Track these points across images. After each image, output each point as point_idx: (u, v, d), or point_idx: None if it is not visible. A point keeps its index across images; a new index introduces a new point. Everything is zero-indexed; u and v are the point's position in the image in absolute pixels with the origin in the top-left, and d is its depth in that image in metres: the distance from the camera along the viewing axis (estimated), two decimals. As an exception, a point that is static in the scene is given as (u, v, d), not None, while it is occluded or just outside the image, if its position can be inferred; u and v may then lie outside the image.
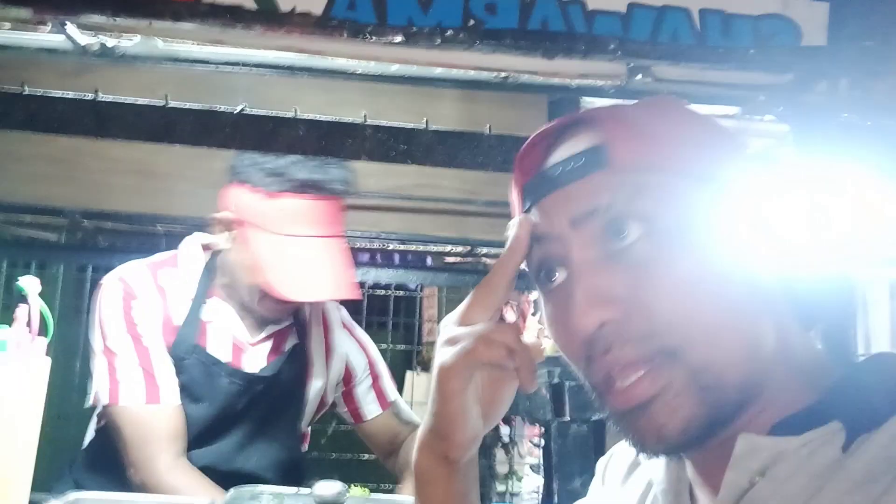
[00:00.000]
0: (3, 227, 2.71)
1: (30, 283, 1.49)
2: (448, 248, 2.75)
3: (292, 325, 1.85)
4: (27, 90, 1.11)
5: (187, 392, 1.72)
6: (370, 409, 1.99)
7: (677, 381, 0.66)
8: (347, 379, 1.97)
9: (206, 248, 1.83)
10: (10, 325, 1.39)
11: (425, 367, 3.53)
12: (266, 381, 1.77)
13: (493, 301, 0.77)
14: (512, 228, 0.76)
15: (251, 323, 1.80)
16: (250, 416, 1.77)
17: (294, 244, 1.63)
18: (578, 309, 0.68)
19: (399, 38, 1.08)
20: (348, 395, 1.98)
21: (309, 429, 2.00)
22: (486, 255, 2.82)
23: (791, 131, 1.28)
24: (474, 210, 2.67)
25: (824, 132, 1.20)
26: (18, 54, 1.19)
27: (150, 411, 1.65)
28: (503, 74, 1.20)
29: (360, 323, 2.99)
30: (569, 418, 1.81)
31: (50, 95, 1.11)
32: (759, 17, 1.24)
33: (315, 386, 1.88)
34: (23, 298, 1.52)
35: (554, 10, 1.19)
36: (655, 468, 0.82)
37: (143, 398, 1.65)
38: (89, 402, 1.78)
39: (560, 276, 0.74)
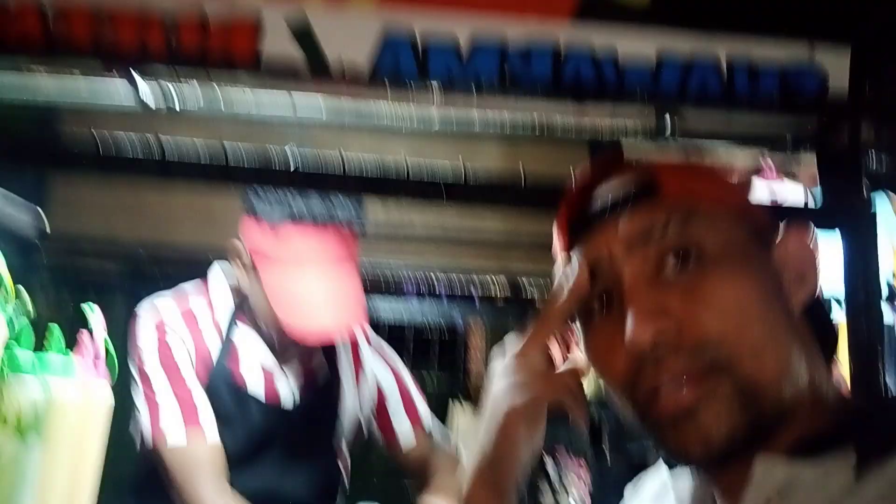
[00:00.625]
0: (68, 259, 2.85)
1: (94, 319, 1.59)
2: (490, 279, 2.80)
3: (319, 348, 1.85)
4: (98, 136, 1.21)
5: (220, 417, 1.73)
6: (405, 433, 1.96)
7: (722, 390, 0.70)
8: (380, 400, 1.95)
9: (228, 279, 1.85)
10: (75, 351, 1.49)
11: (469, 397, 3.55)
12: (297, 406, 1.80)
13: (549, 338, 0.81)
14: (570, 266, 0.79)
15: (280, 351, 1.81)
16: (284, 441, 1.78)
17: (299, 275, 1.66)
18: (635, 322, 0.72)
19: (439, 91, 1.16)
20: (381, 417, 1.96)
21: (348, 455, 1.98)
22: (527, 287, 2.86)
23: (818, 173, 1.31)
24: (516, 242, 2.72)
25: (849, 174, 1.24)
26: (89, 108, 1.30)
27: (190, 438, 1.68)
28: (538, 123, 1.27)
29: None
30: (606, 451, 1.85)
31: (117, 140, 1.21)
32: (785, 65, 1.29)
33: (348, 407, 1.89)
34: (86, 326, 1.61)
35: (586, 62, 1.25)
36: (682, 492, 0.85)
37: (181, 425, 1.69)
38: (132, 427, 1.83)
39: (612, 303, 0.77)
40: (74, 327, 1.60)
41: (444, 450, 1.97)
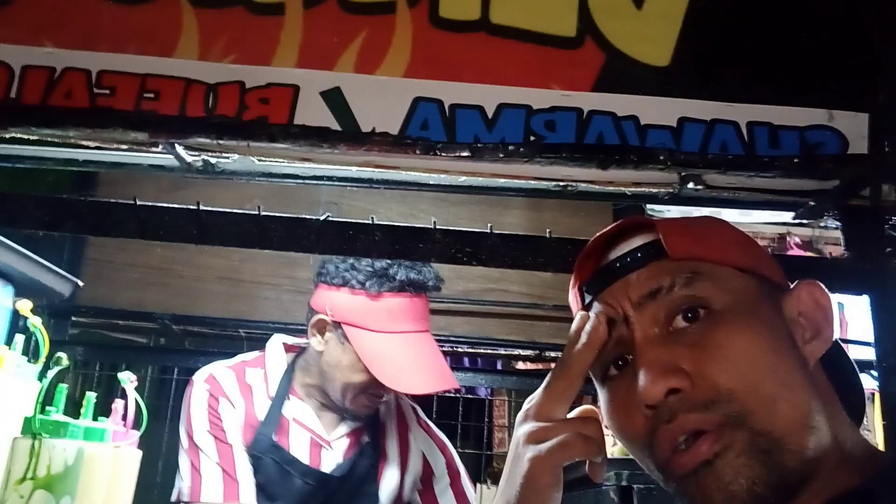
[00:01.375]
0: (98, 330, 2.90)
1: (128, 378, 1.62)
2: (516, 351, 2.81)
3: (367, 422, 1.90)
4: (138, 202, 1.26)
5: (263, 489, 1.76)
6: None
7: (739, 443, 0.70)
8: (426, 477, 1.97)
9: (287, 349, 1.92)
10: (108, 418, 1.51)
11: (495, 479, 3.50)
12: (340, 478, 1.81)
13: (570, 394, 0.81)
14: (585, 323, 0.81)
15: (329, 420, 1.85)
16: None
17: (397, 340, 1.71)
18: (646, 378, 0.74)
19: (466, 153, 1.20)
20: (426, 493, 1.97)
21: None
22: (554, 360, 2.86)
23: (842, 236, 1.33)
24: (542, 314, 2.74)
25: (873, 236, 1.25)
26: (131, 171, 1.35)
27: None
28: (562, 184, 1.30)
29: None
30: (637, 519, 1.81)
31: (158, 206, 1.26)
32: (805, 128, 1.32)
33: (389, 482, 1.89)
34: (121, 393, 1.64)
35: (608, 126, 1.29)
36: None
37: (221, 497, 1.70)
38: (174, 496, 1.85)
39: (626, 363, 0.79)
40: (107, 394, 1.63)
41: None
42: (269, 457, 1.78)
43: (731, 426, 0.71)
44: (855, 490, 0.71)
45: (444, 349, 2.81)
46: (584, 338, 0.80)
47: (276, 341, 1.93)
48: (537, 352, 2.78)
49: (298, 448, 1.81)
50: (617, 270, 0.81)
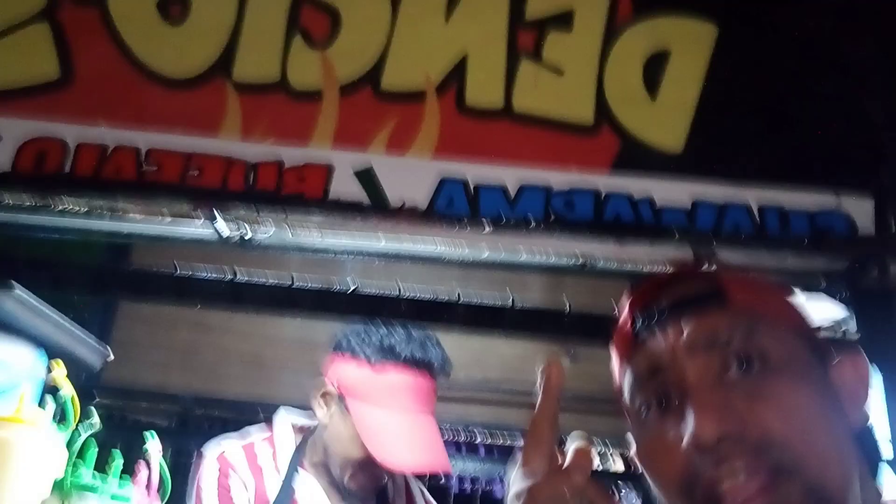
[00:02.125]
0: (121, 411, 2.92)
1: (153, 447, 1.65)
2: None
3: (376, 502, 1.91)
4: (179, 272, 1.32)
5: None
6: None
7: (793, 492, 0.69)
8: None
9: (296, 427, 1.91)
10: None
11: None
12: None
13: (544, 444, 0.78)
14: (545, 371, 0.80)
15: (338, 500, 1.84)
16: None
17: (396, 417, 1.73)
18: (700, 419, 0.72)
19: (488, 229, 1.27)
20: None
21: None
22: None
23: (853, 313, 1.36)
24: (561, 404, 2.73)
25: (883, 315, 1.29)
26: (171, 243, 1.43)
27: None
28: (581, 261, 1.36)
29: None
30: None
31: (197, 277, 1.33)
32: (814, 211, 1.38)
33: None
34: (145, 462, 1.66)
35: (625, 206, 1.36)
36: None
37: None
38: None
39: (670, 403, 0.77)
40: (129, 462, 1.65)
41: None
42: None
43: (784, 475, 0.70)
44: None
45: (460, 437, 2.83)
46: (542, 391, 0.79)
47: (285, 419, 1.93)
48: (557, 442, 2.76)
49: None
50: (675, 311, 0.80)
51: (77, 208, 1.33)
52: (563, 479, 0.74)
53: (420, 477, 2.49)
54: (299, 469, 1.82)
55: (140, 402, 2.82)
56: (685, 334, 0.78)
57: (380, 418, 1.69)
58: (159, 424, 2.95)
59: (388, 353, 1.69)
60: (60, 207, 1.33)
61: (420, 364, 1.70)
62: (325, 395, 1.79)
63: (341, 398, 1.74)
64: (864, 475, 0.77)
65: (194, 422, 2.88)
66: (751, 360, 0.75)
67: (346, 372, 1.76)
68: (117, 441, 2.90)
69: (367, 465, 1.73)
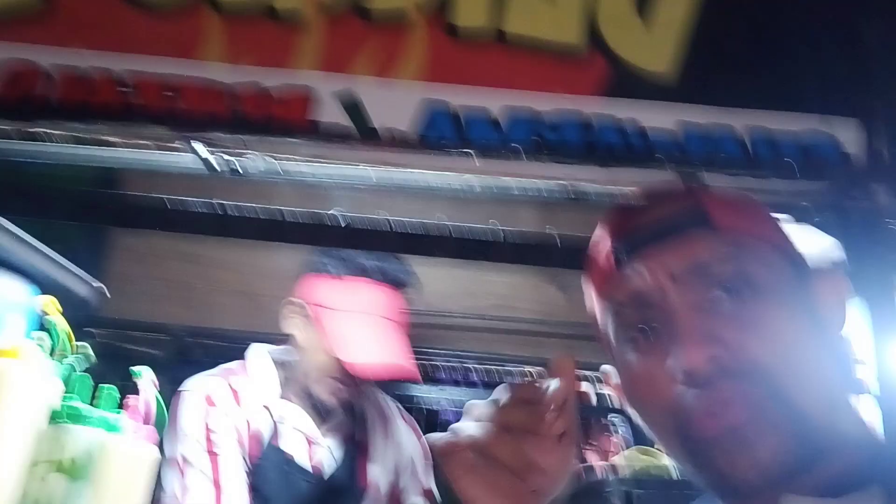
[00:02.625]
0: (114, 342, 2.94)
1: (146, 377, 1.66)
2: (524, 368, 2.83)
3: (354, 420, 1.95)
4: (165, 196, 1.31)
5: (261, 492, 1.78)
6: (416, 498, 2.01)
7: (771, 415, 0.71)
8: (413, 469, 2.02)
9: (277, 363, 1.95)
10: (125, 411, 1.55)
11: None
12: (333, 476, 1.86)
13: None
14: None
15: (320, 420, 1.89)
16: None
17: (361, 321, 1.77)
18: (689, 348, 0.72)
19: (475, 153, 1.26)
20: (414, 484, 2.02)
21: None
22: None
23: (840, 239, 1.36)
24: (550, 332, 2.76)
25: (868, 238, 1.29)
26: (153, 169, 1.42)
27: None
28: (568, 185, 1.35)
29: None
30: (641, 528, 1.83)
31: (184, 200, 1.32)
32: (801, 133, 1.37)
33: (377, 477, 1.94)
34: (139, 392, 1.68)
35: (612, 130, 1.35)
36: None
37: None
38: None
39: (657, 328, 0.77)
40: (124, 393, 1.66)
41: None
42: (267, 460, 1.80)
43: (765, 398, 0.71)
44: (856, 467, 0.72)
45: (451, 364, 2.86)
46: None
47: (258, 350, 1.96)
48: (545, 369, 2.79)
49: (294, 448, 1.84)
50: (656, 234, 0.79)
51: (59, 136, 1.31)
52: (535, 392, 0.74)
53: (410, 403, 2.55)
54: (282, 399, 1.85)
55: (134, 333, 2.83)
56: (668, 259, 0.77)
57: (345, 322, 1.74)
58: (154, 355, 2.98)
59: (355, 268, 1.74)
60: (41, 135, 1.30)
61: (386, 276, 1.76)
62: (294, 311, 1.84)
63: (310, 311, 1.79)
64: (843, 392, 0.78)
65: (188, 353, 2.90)
66: (737, 286, 0.75)
67: (314, 287, 1.80)
68: (112, 372, 2.94)
69: (334, 371, 1.77)
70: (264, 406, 1.86)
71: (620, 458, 2.05)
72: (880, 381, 1.30)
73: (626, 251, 0.81)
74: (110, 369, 2.87)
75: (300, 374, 1.86)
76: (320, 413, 1.88)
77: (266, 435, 1.82)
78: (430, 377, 2.99)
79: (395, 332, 1.84)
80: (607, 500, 1.86)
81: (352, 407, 1.92)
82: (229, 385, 1.87)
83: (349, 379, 1.80)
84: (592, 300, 0.88)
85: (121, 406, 1.55)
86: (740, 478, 0.71)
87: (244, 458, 1.79)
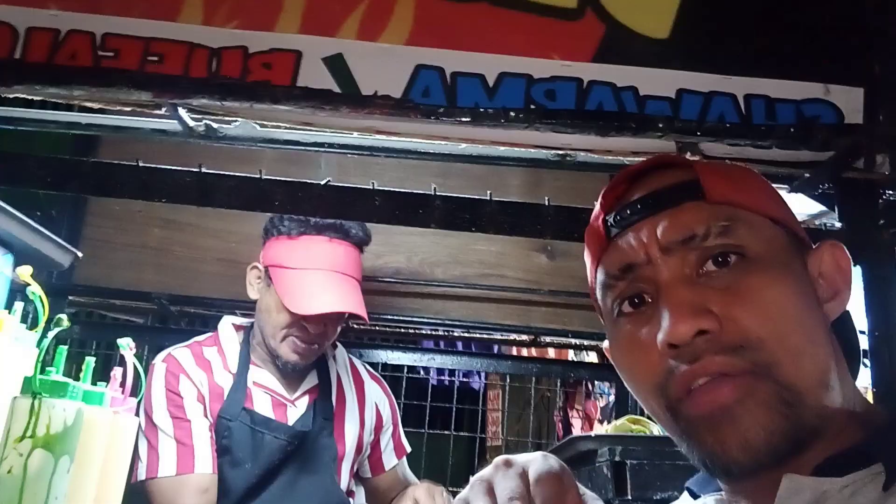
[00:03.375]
0: (96, 309, 2.90)
1: (127, 344, 1.63)
2: (512, 336, 2.82)
3: (324, 380, 1.99)
4: (142, 164, 1.27)
5: (235, 454, 1.83)
6: (389, 459, 2.09)
7: (762, 392, 0.69)
8: (378, 426, 2.08)
9: (238, 327, 2.01)
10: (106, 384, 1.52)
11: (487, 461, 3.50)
12: (304, 432, 1.89)
13: None
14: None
15: (289, 383, 1.94)
16: (292, 466, 1.88)
17: (313, 276, 1.80)
18: (674, 318, 0.71)
19: (467, 119, 1.21)
20: (376, 442, 2.08)
21: (356, 485, 2.08)
22: (549, 346, 2.88)
23: (836, 207, 1.34)
24: (538, 300, 2.75)
25: (866, 207, 1.27)
26: (134, 135, 1.36)
27: (181, 481, 1.75)
28: (561, 153, 1.31)
29: (423, 413, 3.07)
30: (630, 497, 1.82)
31: (162, 168, 1.27)
32: (801, 101, 1.33)
33: (347, 434, 1.98)
34: (119, 361, 1.65)
35: (608, 96, 1.31)
36: None
37: (175, 469, 1.76)
38: (133, 479, 1.86)
39: (644, 302, 0.76)
40: (104, 373, 1.64)
41: (413, 481, 2.09)
42: (239, 421, 1.84)
43: (755, 375, 0.69)
44: (857, 446, 0.71)
45: (438, 332, 2.84)
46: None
47: (228, 321, 2.03)
48: (532, 337, 2.78)
49: (265, 409, 1.89)
50: (649, 205, 0.78)
51: (31, 97, 1.25)
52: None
53: (399, 371, 2.56)
54: (251, 365, 1.89)
55: (114, 300, 2.79)
56: (660, 231, 0.76)
57: (297, 277, 1.78)
58: (135, 322, 2.95)
59: (307, 225, 1.75)
60: (13, 96, 1.25)
61: (338, 231, 1.78)
62: (254, 275, 1.88)
63: (267, 272, 1.83)
64: (841, 364, 0.76)
65: (170, 320, 2.87)
66: (727, 256, 0.73)
67: (268, 249, 1.88)
68: (92, 339, 2.91)
69: (292, 328, 1.79)
70: (231, 373, 1.90)
71: (611, 428, 2.04)
72: (874, 347, 1.29)
73: (619, 222, 0.80)
74: (92, 337, 2.85)
75: (263, 337, 1.90)
76: (287, 374, 1.92)
77: (236, 399, 1.87)
78: (417, 345, 2.99)
79: (348, 283, 1.85)
80: (598, 470, 1.85)
81: (317, 365, 1.97)
82: (198, 354, 1.93)
83: (308, 335, 1.83)
84: (588, 263, 0.87)
85: (104, 377, 1.53)
86: (731, 458, 0.70)
87: (213, 423, 1.84)
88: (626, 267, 0.78)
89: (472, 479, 0.70)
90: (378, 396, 2.10)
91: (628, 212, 0.79)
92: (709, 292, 0.72)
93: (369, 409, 2.06)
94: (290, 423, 1.89)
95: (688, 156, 1.30)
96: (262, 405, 1.89)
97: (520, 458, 0.70)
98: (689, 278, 0.74)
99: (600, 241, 0.82)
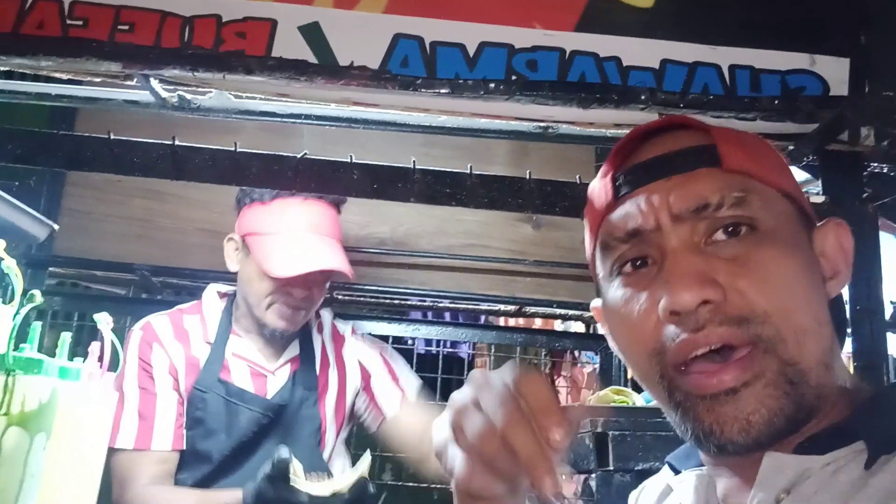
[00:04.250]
0: (77, 281, 2.87)
1: (103, 319, 1.61)
2: (497, 306, 2.81)
3: (305, 348, 1.95)
4: (115, 136, 1.24)
5: (208, 425, 1.81)
6: (391, 403, 1.99)
7: (770, 373, 0.67)
8: (365, 379, 2.02)
9: (222, 295, 1.98)
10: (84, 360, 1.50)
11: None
12: (283, 404, 1.86)
13: None
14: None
15: (271, 352, 1.91)
16: (272, 438, 1.84)
17: (290, 238, 1.76)
18: (679, 285, 0.69)
19: (447, 90, 1.18)
20: (369, 394, 2.02)
21: (347, 451, 2.05)
22: (534, 316, 2.87)
23: (820, 179, 1.33)
24: (523, 270, 2.74)
25: (850, 180, 1.25)
26: (105, 106, 1.33)
27: (135, 457, 1.74)
28: (543, 125, 1.29)
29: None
30: (612, 468, 1.82)
31: (135, 140, 1.24)
32: (786, 72, 1.31)
33: (332, 402, 1.95)
34: (92, 340, 1.63)
35: (591, 66, 1.28)
36: (685, 493, 0.82)
37: (132, 443, 1.75)
38: None
39: (650, 264, 0.74)
40: (86, 345, 1.62)
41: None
42: (214, 392, 1.82)
43: (761, 351, 0.68)
44: (839, 424, 0.70)
45: (425, 303, 2.83)
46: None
47: (212, 288, 2.00)
48: (517, 307, 2.78)
49: (242, 381, 1.86)
50: (663, 167, 0.74)
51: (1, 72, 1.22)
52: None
53: (384, 339, 2.54)
54: (231, 335, 1.85)
55: (96, 272, 2.76)
56: (672, 198, 0.73)
57: (274, 241, 1.76)
58: (118, 294, 2.92)
59: (273, 192, 1.71)
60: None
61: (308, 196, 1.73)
62: (231, 246, 1.85)
63: (244, 242, 1.79)
64: (837, 348, 0.75)
65: (154, 292, 2.84)
66: (739, 227, 0.72)
67: (242, 218, 1.85)
68: (74, 311, 2.88)
69: (276, 293, 1.77)
70: (209, 342, 1.88)
71: (594, 398, 2.04)
72: (855, 321, 1.29)
73: (629, 181, 0.77)
74: (75, 309, 2.83)
75: (249, 307, 1.86)
76: (271, 342, 1.89)
77: (211, 370, 1.84)
78: (403, 315, 2.98)
79: (327, 242, 1.82)
80: (579, 440, 1.86)
81: (300, 334, 1.94)
82: (177, 323, 1.90)
83: (293, 300, 1.81)
84: (587, 218, 0.83)
85: (81, 345, 1.51)
86: (728, 438, 0.68)
87: (188, 394, 1.82)
88: (633, 231, 0.75)
89: (451, 396, 0.66)
90: (361, 352, 2.05)
91: (640, 172, 0.76)
92: (716, 262, 0.70)
93: (352, 371, 2.01)
94: (269, 394, 1.87)
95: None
96: (240, 376, 1.87)
97: (493, 372, 0.65)
98: (697, 247, 0.72)
99: (607, 198, 0.79)
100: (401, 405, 2.00)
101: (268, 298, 1.81)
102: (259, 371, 1.89)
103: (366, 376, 2.03)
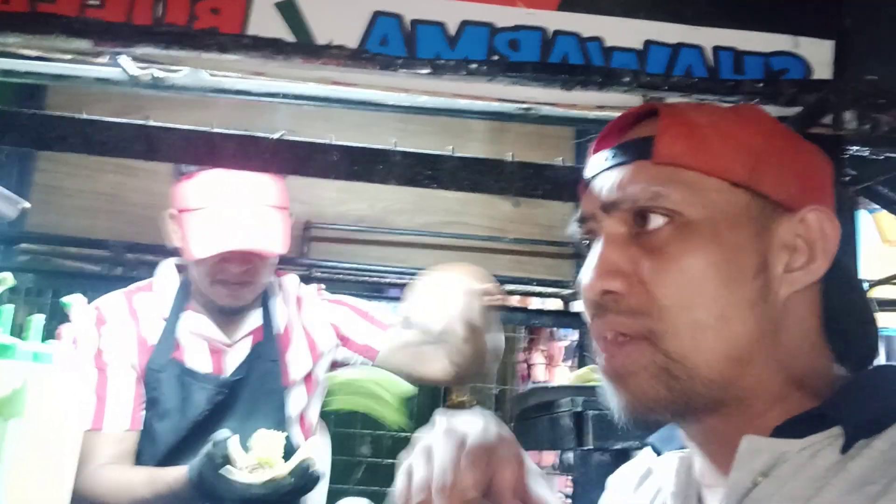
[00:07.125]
0: (49, 258, 2.82)
1: (75, 301, 1.58)
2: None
3: (265, 318, 1.88)
4: (85, 115, 1.20)
5: (163, 405, 1.76)
6: (376, 339, 1.94)
7: (653, 367, 0.71)
8: (339, 335, 1.96)
9: (179, 269, 1.89)
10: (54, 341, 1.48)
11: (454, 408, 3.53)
12: (241, 380, 1.81)
13: None
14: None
15: (229, 326, 1.84)
16: (233, 414, 1.79)
17: (215, 214, 1.68)
18: (590, 275, 0.74)
19: (427, 70, 1.16)
20: (349, 344, 1.96)
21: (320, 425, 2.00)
22: (512, 294, 2.87)
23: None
24: (501, 247, 2.74)
25: (834, 161, 1.25)
26: (77, 84, 1.29)
27: (91, 437, 1.68)
28: (525, 106, 1.27)
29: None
30: (591, 447, 1.83)
31: (106, 120, 1.20)
32: (769, 54, 1.30)
33: (300, 370, 1.89)
34: (67, 318, 1.61)
35: (573, 47, 1.27)
36: (666, 474, 0.83)
37: (88, 424, 1.70)
38: None
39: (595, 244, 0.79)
40: (52, 320, 1.59)
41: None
42: (167, 372, 1.77)
43: (649, 343, 0.71)
44: (816, 408, 0.70)
45: (402, 281, 2.82)
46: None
47: (167, 263, 1.91)
48: (496, 284, 2.77)
49: (197, 358, 1.81)
50: (610, 157, 0.78)
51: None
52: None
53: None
54: (188, 310, 1.80)
55: (69, 248, 2.71)
56: (604, 189, 0.77)
57: (199, 217, 1.68)
58: (91, 270, 2.88)
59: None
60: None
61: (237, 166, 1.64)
62: (170, 225, 1.77)
63: (178, 217, 1.72)
64: (800, 335, 0.74)
65: (128, 268, 2.80)
66: (658, 219, 0.73)
67: (176, 193, 1.75)
68: (48, 288, 2.84)
69: (216, 271, 1.71)
70: (164, 319, 1.81)
71: (573, 377, 2.05)
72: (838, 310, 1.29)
73: (591, 167, 0.81)
74: (48, 286, 2.78)
75: (195, 280, 1.80)
76: (228, 316, 1.83)
77: (163, 349, 1.79)
78: (381, 293, 2.96)
79: (263, 217, 1.72)
80: (558, 419, 1.86)
81: (262, 303, 1.87)
82: (130, 301, 1.83)
83: (234, 276, 1.74)
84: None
85: (57, 323, 1.49)
86: (624, 416, 0.74)
87: (138, 373, 1.77)
88: (582, 216, 0.80)
89: (415, 444, 0.75)
90: (328, 310, 1.97)
91: (597, 161, 0.80)
92: (636, 253, 0.73)
93: (321, 332, 1.94)
94: (227, 369, 1.81)
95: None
96: (195, 354, 1.81)
97: (460, 428, 0.74)
98: (622, 237, 0.75)
99: (582, 184, 0.84)
100: (388, 336, 1.94)
101: (208, 278, 1.74)
102: (217, 346, 1.82)
103: (339, 331, 1.95)
